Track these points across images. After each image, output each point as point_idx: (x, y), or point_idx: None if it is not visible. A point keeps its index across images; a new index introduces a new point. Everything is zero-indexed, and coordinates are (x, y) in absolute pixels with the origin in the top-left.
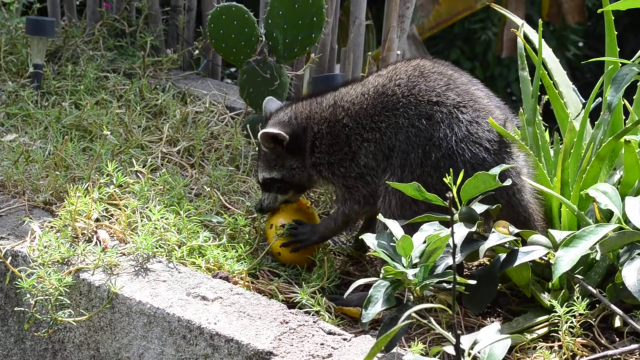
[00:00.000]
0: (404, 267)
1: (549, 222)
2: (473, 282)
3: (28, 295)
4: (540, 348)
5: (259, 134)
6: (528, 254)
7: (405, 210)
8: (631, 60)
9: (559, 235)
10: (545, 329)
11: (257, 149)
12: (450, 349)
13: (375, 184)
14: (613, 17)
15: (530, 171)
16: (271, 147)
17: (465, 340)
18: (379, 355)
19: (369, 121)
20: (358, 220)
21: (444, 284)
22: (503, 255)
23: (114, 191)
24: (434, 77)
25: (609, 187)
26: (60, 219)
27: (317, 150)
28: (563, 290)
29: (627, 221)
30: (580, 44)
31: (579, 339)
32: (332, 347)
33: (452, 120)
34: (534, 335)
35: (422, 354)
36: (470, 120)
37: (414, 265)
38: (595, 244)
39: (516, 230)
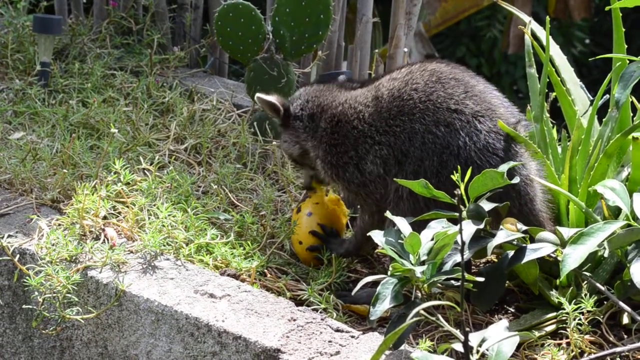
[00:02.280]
0: (412, 264)
1: (557, 219)
2: (481, 279)
3: (36, 293)
4: (548, 345)
5: (256, 96)
6: (536, 251)
7: (417, 215)
8: (639, 57)
9: (566, 232)
10: (553, 326)
11: None
12: (458, 346)
13: (381, 194)
14: (621, 14)
15: (542, 180)
16: (272, 115)
17: (474, 338)
18: (387, 352)
19: (383, 124)
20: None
21: (452, 281)
22: (511, 253)
23: (122, 189)
24: (451, 83)
25: (617, 184)
26: (68, 216)
27: (327, 150)
28: (571, 288)
29: (635, 218)
30: (587, 41)
31: (587, 336)
32: (340, 345)
33: (471, 130)
34: (542, 333)
35: (430, 351)
36: (488, 130)
37: (422, 263)
38: (603, 241)
39: (524, 228)
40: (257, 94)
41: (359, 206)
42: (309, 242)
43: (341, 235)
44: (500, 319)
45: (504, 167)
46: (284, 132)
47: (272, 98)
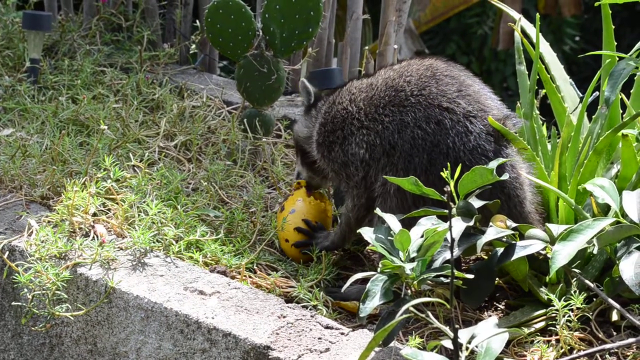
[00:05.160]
0: (402, 261)
1: (547, 216)
2: (471, 276)
3: (25, 290)
4: (538, 342)
5: (301, 81)
6: (525, 248)
7: (404, 212)
8: (628, 54)
9: (556, 229)
10: (543, 323)
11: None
12: (448, 343)
13: (359, 176)
14: (610, 11)
15: (532, 183)
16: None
17: (463, 334)
18: (377, 349)
19: (372, 110)
20: (361, 224)
21: (442, 278)
22: (500, 250)
23: (111, 186)
24: (445, 80)
25: (606, 181)
26: (58, 213)
27: (318, 129)
28: (560, 284)
29: (624, 215)
30: (577, 38)
31: (576, 333)
32: (329, 342)
33: (461, 130)
34: (532, 329)
35: (419, 348)
36: (479, 131)
37: (412, 260)
38: (593, 237)
39: (514, 225)
40: (303, 79)
41: (344, 193)
42: (295, 239)
43: (327, 228)
44: (490, 315)
45: (493, 164)
46: (303, 116)
47: (312, 87)
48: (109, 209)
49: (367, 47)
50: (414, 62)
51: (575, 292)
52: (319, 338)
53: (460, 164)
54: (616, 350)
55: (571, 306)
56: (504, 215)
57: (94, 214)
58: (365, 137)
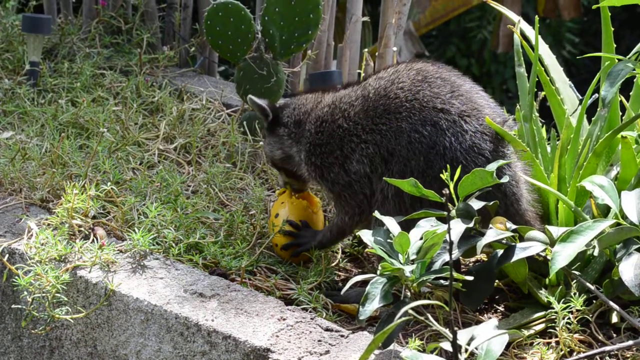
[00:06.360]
0: (401, 263)
1: (546, 218)
2: (470, 278)
3: (25, 293)
4: (538, 344)
5: (248, 97)
6: (525, 250)
7: (402, 215)
8: (627, 56)
9: (555, 231)
10: (543, 325)
11: None
12: (447, 345)
13: (365, 194)
14: (609, 13)
15: (531, 179)
16: (261, 117)
17: (463, 336)
18: (377, 351)
19: (369, 122)
20: (353, 231)
21: (441, 280)
22: (500, 252)
23: (111, 188)
24: (437, 82)
25: (605, 180)
26: (57, 216)
27: (310, 150)
28: (560, 286)
29: (624, 217)
30: (576, 41)
31: (576, 335)
32: (329, 344)
33: (457, 130)
34: (531, 332)
35: (419, 350)
36: (474, 130)
37: (411, 262)
38: (593, 239)
39: (513, 227)
40: (250, 96)
41: (336, 209)
42: (284, 242)
43: (313, 225)
44: (490, 317)
45: (492, 166)
46: (268, 136)
47: (264, 102)
48: (108, 212)
49: (366, 50)
50: (402, 67)
51: (575, 294)
52: (319, 340)
53: (457, 164)
54: (616, 352)
55: (571, 308)
56: (501, 212)
57: (94, 217)
58: (365, 151)
